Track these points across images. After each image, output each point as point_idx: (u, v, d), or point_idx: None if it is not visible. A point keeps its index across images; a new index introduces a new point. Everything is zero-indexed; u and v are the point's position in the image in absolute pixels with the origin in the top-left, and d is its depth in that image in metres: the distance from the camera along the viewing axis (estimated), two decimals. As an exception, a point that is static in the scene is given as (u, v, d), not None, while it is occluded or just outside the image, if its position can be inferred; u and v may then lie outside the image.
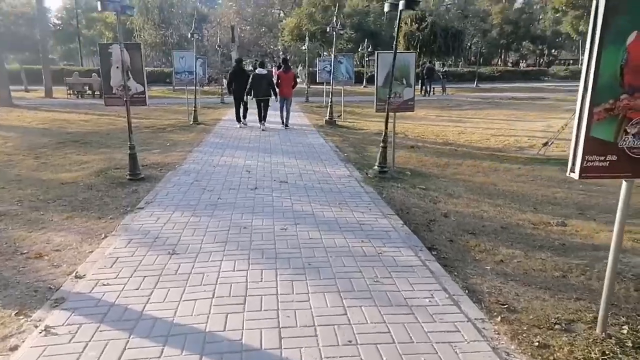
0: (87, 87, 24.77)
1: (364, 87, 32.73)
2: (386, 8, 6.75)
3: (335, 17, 12.70)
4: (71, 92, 24.79)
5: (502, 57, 61.18)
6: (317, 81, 20.35)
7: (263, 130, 12.14)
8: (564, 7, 38.28)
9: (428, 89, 26.33)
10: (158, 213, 5.14)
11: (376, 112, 7.97)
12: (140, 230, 4.56)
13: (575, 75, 38.87)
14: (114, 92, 7.28)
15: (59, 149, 9.86)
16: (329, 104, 13.41)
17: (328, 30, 12.93)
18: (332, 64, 13.63)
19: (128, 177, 6.88)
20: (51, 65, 37.71)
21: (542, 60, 59.99)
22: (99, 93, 24.85)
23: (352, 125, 13.89)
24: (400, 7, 6.31)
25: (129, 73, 7.15)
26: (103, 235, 4.53)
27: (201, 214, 5.11)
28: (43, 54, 24.62)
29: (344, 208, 5.38)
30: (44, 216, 5.30)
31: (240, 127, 12.82)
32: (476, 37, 43.57)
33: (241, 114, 13.07)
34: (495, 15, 51.01)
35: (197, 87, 14.02)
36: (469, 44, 34.22)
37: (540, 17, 59.82)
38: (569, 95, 26.56)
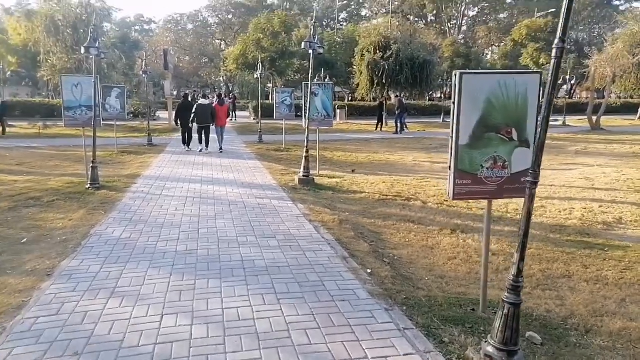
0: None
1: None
2: None
3: (311, 28, 8.60)
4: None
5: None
6: (275, 118, 16.09)
7: (201, 151, 13.95)
8: (523, 40, 37.06)
9: (403, 126, 22.89)
10: None
11: (453, 199, 3.73)
12: None
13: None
14: None
15: None
16: (304, 155, 9.07)
17: (303, 46, 8.78)
18: (307, 97, 9.43)
19: None
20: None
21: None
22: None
23: (337, 183, 9.59)
24: None
25: None
26: None
27: None
28: None
29: None
30: None
31: (186, 150, 14.44)
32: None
33: (187, 141, 14.70)
34: (446, 48, 49.94)
35: (96, 129, 9.19)
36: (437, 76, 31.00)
37: (486, 51, 60.16)
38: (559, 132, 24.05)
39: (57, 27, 22.38)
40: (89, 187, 8.38)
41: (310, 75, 9.06)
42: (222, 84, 65.51)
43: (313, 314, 3.54)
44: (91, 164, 8.43)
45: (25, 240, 5.60)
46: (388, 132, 22.96)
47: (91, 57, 8.27)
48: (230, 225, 6.10)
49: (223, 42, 68.48)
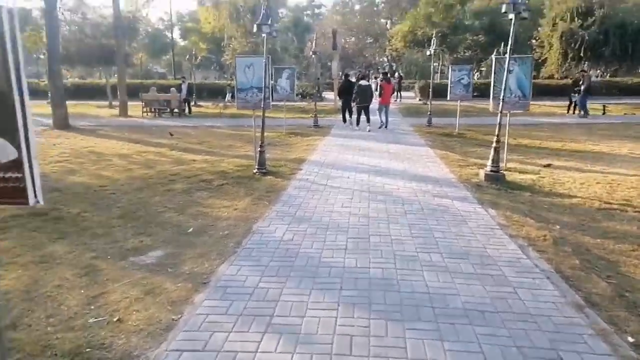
0: (165, 104, 21.35)
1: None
2: None
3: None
4: (147, 110, 21.58)
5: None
6: (449, 98, 14.34)
7: (369, 131, 14.16)
8: None
9: (585, 108, 18.67)
10: None
11: None
12: None
13: None
14: None
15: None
16: (494, 145, 7.40)
17: (504, 9, 7.08)
18: (503, 75, 7.67)
19: None
20: (146, 79, 36.22)
21: None
22: (177, 111, 21.43)
23: (533, 181, 7.68)
24: None
25: None
26: None
27: None
28: (119, 66, 21.73)
29: None
30: None
31: (344, 125, 15.99)
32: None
33: (347, 117, 16.28)
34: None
35: (265, 111, 8.87)
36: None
37: None
38: None
39: (238, 13, 23.90)
40: (256, 172, 8.11)
41: (509, 45, 7.29)
42: (385, 64, 64.41)
43: None
44: (259, 148, 8.13)
45: (191, 229, 5.32)
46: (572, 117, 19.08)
47: (263, 34, 7.85)
48: (407, 233, 4.94)
49: (389, 21, 67.03)
